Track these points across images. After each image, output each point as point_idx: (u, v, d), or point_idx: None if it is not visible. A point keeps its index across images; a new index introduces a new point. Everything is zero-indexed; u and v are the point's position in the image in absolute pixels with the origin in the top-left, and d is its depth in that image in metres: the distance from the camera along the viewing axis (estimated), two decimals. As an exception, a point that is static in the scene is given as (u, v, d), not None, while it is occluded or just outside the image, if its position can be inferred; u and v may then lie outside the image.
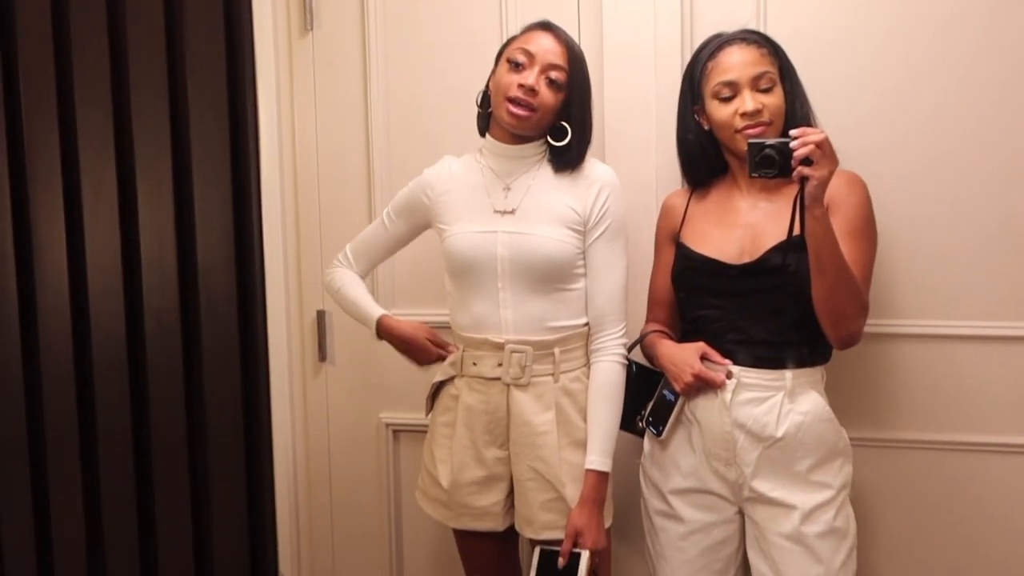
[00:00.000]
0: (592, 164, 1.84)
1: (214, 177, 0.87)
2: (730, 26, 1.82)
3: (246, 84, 0.83)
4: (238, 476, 0.89)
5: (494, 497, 1.82)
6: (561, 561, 1.72)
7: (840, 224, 1.64)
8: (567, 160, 1.80)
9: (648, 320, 1.92)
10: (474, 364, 1.81)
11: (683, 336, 1.84)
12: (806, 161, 1.54)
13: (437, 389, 1.91)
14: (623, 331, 1.81)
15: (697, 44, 1.84)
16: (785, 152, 1.56)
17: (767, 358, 1.71)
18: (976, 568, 1.96)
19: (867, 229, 1.72)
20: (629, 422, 1.85)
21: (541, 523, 1.77)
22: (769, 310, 1.72)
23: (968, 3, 1.88)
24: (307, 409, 2.37)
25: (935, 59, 1.90)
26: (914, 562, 2.00)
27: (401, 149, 2.24)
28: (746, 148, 1.62)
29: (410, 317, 2.00)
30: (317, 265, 2.33)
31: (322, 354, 2.34)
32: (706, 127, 1.79)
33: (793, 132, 1.56)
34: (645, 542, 1.89)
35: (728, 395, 1.71)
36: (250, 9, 2.13)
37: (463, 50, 2.17)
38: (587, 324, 1.81)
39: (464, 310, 1.83)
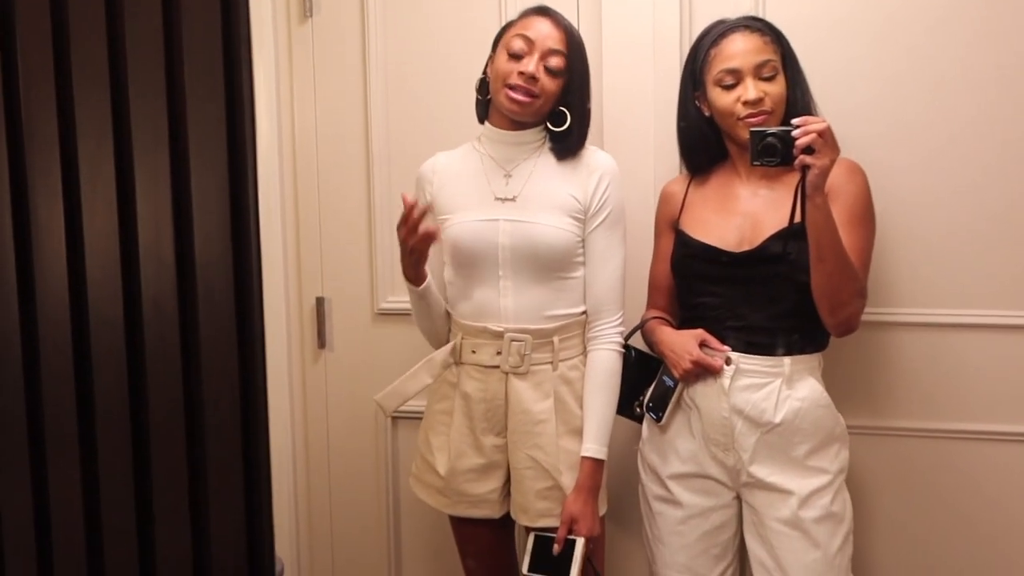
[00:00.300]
0: (592, 152, 1.83)
1: (211, 164, 0.87)
2: (730, 13, 1.81)
3: (244, 71, 0.83)
4: (235, 461, 0.90)
5: (491, 484, 1.82)
6: (556, 548, 1.73)
7: (839, 212, 1.64)
8: (567, 146, 1.80)
9: (648, 306, 1.92)
10: (473, 352, 1.81)
11: (683, 323, 1.85)
12: (808, 150, 1.54)
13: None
14: (620, 319, 1.81)
15: (696, 32, 1.84)
16: (787, 140, 1.56)
17: (762, 344, 1.72)
18: (970, 554, 1.97)
19: (866, 217, 1.72)
20: (627, 408, 1.86)
21: (537, 511, 1.78)
22: (768, 298, 1.72)
23: (969, -10, 1.87)
24: (306, 396, 2.38)
25: (934, 47, 1.89)
26: (909, 547, 2.01)
27: (400, 135, 2.23)
28: (748, 136, 1.62)
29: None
30: (316, 252, 2.33)
31: (321, 341, 2.35)
32: (707, 114, 1.79)
33: (795, 121, 1.57)
34: (643, 527, 1.90)
35: (727, 381, 1.72)
36: (249, -5, 2.14)
37: (462, 36, 2.16)
38: (585, 312, 1.81)
39: (464, 298, 1.82)
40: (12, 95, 0.82)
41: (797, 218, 1.62)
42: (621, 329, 1.82)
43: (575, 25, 1.85)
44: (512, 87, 1.73)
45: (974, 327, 1.92)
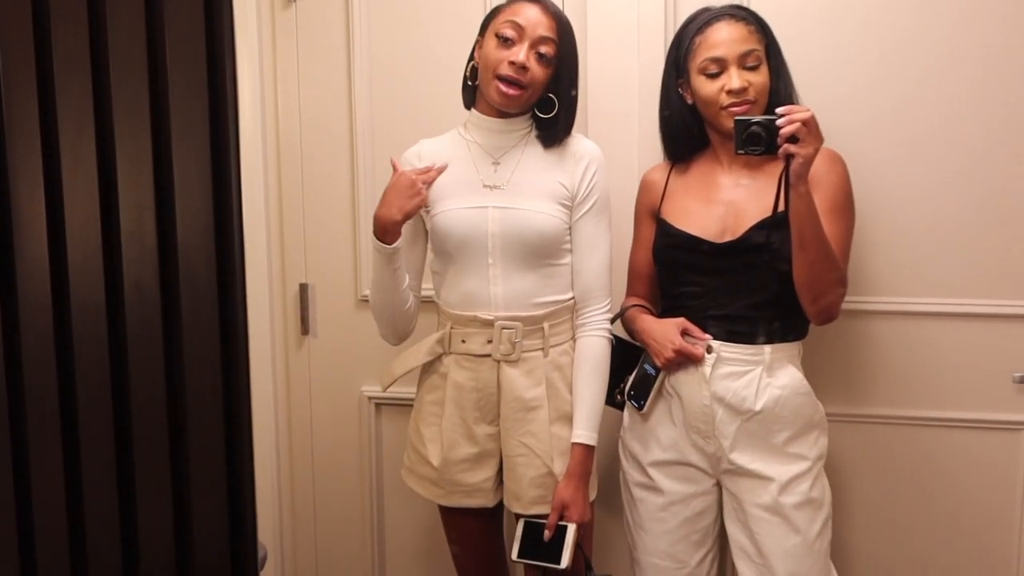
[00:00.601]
0: (579, 139, 1.83)
1: (194, 149, 0.86)
2: (715, 1, 1.81)
3: (227, 56, 0.82)
4: (218, 447, 0.89)
5: (485, 473, 1.82)
6: (547, 534, 1.73)
7: (820, 201, 1.65)
8: (554, 133, 1.79)
9: (628, 294, 1.93)
10: (462, 342, 1.79)
11: (664, 312, 1.85)
12: (792, 139, 1.55)
13: (423, 368, 1.88)
14: (608, 306, 1.82)
15: (681, 19, 1.84)
16: (771, 130, 1.56)
17: (743, 333, 1.73)
18: (945, 537, 2.00)
19: (846, 206, 1.74)
20: (608, 395, 1.87)
21: (530, 498, 1.77)
22: (750, 287, 1.73)
23: (951, -19, 1.88)
24: (289, 382, 2.38)
25: (917, 37, 1.90)
26: (886, 532, 2.04)
27: (385, 121, 2.22)
28: (731, 125, 1.63)
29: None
30: (300, 238, 2.32)
31: (305, 327, 2.34)
32: (689, 101, 1.79)
33: (780, 109, 1.57)
34: (623, 513, 1.91)
35: (708, 369, 1.73)
36: (232, -21, 2.12)
37: (447, 21, 2.15)
38: (573, 299, 1.81)
39: (452, 287, 1.81)
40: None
41: (781, 207, 1.63)
42: (609, 316, 1.82)
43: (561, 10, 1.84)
44: (502, 78, 1.72)
45: (951, 315, 1.94)
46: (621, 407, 1.90)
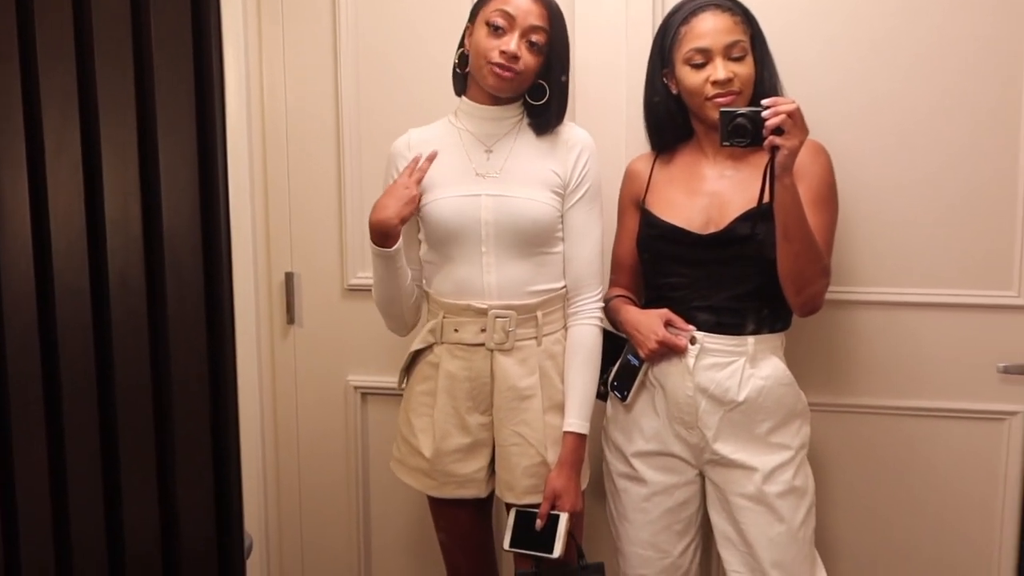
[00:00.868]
0: (570, 127, 1.82)
1: (180, 137, 0.85)
2: (702, -9, 1.81)
3: (213, 43, 0.81)
4: (204, 436, 0.89)
5: (478, 464, 1.80)
6: (539, 523, 1.73)
7: (804, 192, 1.65)
8: (546, 120, 1.78)
9: (611, 284, 1.93)
10: (455, 331, 1.78)
11: (648, 303, 1.86)
12: (777, 130, 1.55)
13: (413, 358, 1.87)
14: (600, 294, 1.82)
15: (669, 7, 1.83)
16: (757, 121, 1.56)
17: (727, 324, 1.73)
18: (928, 526, 2.03)
19: (830, 197, 1.75)
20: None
21: (523, 488, 1.77)
22: (734, 278, 1.73)
23: (937, -26, 1.89)
24: (275, 371, 2.37)
25: (903, 29, 1.91)
26: (868, 520, 2.06)
27: (371, 106, 2.21)
28: (716, 116, 1.63)
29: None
30: (286, 226, 2.31)
31: (290, 316, 2.33)
32: (674, 91, 1.79)
33: (765, 101, 1.57)
34: (607, 503, 1.92)
35: (691, 360, 1.74)
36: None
37: (435, 7, 2.14)
38: (565, 287, 1.81)
39: (444, 276, 1.80)
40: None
41: (766, 199, 1.64)
42: (601, 304, 1.82)
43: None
44: (494, 64, 1.71)
45: (935, 306, 1.96)
46: (604, 398, 1.90)
